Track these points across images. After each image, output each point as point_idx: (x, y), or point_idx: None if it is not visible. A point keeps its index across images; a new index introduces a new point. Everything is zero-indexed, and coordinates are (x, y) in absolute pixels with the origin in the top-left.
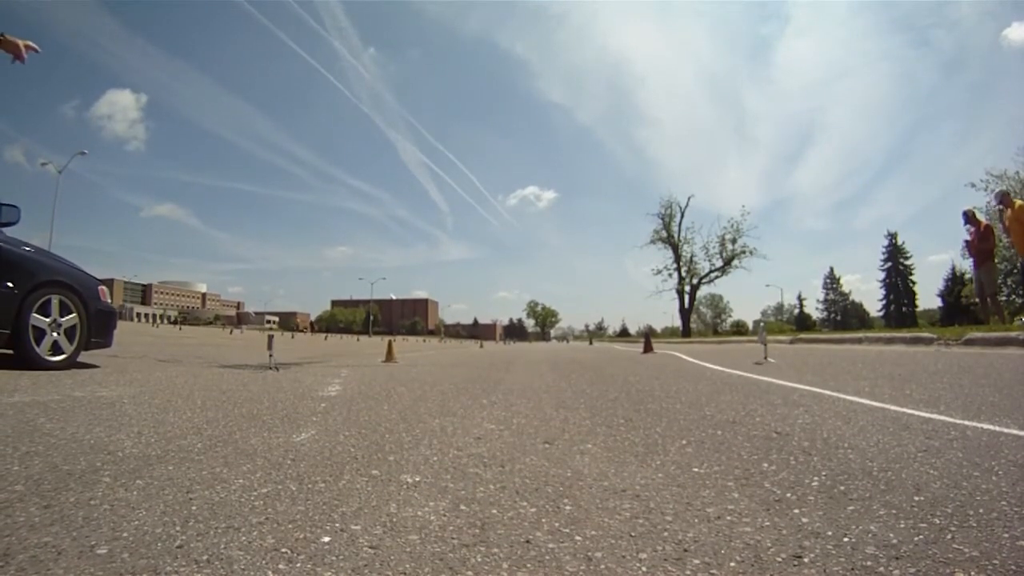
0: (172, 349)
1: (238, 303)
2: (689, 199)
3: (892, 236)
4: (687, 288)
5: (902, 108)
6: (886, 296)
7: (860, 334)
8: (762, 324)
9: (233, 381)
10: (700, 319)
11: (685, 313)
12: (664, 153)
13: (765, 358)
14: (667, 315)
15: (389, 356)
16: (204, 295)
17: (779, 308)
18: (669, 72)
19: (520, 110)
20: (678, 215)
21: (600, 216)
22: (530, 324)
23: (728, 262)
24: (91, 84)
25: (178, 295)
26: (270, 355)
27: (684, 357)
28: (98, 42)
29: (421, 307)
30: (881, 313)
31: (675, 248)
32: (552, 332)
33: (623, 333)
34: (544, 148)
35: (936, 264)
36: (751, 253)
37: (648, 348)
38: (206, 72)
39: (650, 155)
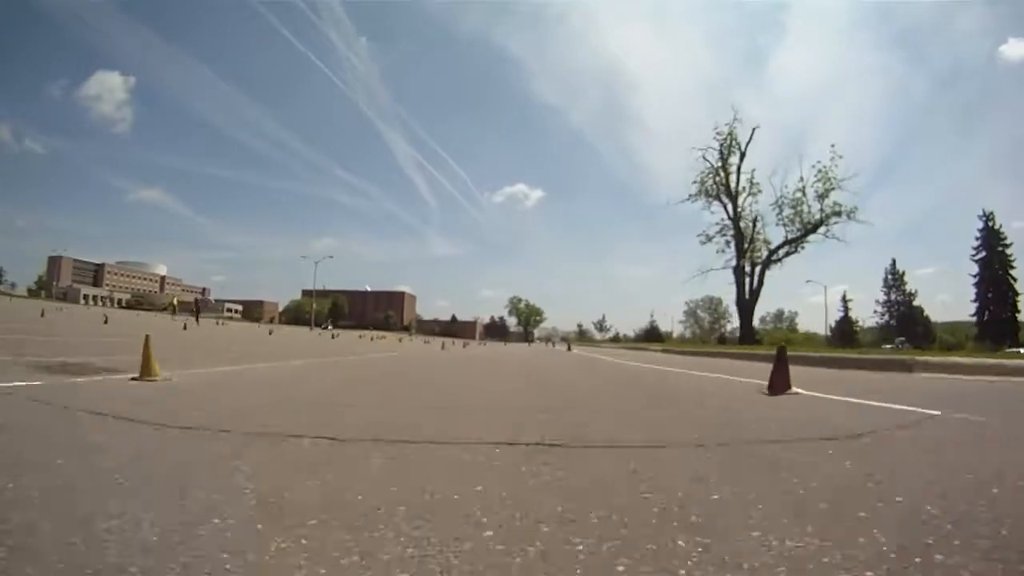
0: None
1: (203, 289)
2: (754, 131)
3: (988, 217)
4: (747, 267)
5: (894, 122)
6: (980, 296)
7: None
8: None
9: None
10: (698, 324)
11: (746, 306)
12: (655, 158)
13: None
14: (667, 317)
15: None
16: (163, 278)
17: (779, 315)
18: (663, 77)
19: (512, 108)
20: (736, 155)
21: (588, 217)
22: (512, 323)
23: (814, 228)
24: (80, 64)
25: (133, 277)
26: None
27: None
28: (89, 21)
29: (398, 300)
30: (974, 319)
31: (733, 201)
32: (536, 332)
33: (652, 337)
34: (533, 147)
35: (924, 277)
36: (849, 216)
37: None
38: (196, 56)
39: (640, 159)
